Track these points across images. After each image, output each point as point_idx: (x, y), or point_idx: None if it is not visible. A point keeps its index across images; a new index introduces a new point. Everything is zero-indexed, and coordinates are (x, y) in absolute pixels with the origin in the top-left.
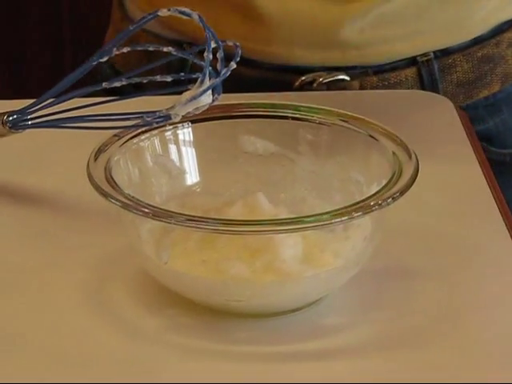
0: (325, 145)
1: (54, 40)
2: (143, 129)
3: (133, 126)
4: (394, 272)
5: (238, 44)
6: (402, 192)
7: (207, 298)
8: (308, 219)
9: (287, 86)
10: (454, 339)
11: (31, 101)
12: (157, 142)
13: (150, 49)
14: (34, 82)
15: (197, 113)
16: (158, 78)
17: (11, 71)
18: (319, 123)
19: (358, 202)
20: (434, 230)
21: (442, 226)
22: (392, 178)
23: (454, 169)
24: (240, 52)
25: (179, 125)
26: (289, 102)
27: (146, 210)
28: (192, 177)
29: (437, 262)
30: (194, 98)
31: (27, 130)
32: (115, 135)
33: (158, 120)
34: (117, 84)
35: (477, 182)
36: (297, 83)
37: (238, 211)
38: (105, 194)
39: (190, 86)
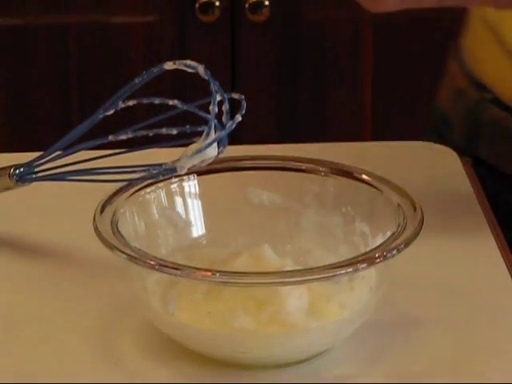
0: (330, 196)
1: (61, 92)
2: (149, 181)
3: (139, 179)
4: (400, 323)
5: (242, 97)
6: (407, 244)
7: (213, 349)
8: (313, 271)
9: None
10: None
11: (38, 153)
12: (163, 194)
13: (156, 102)
14: (41, 134)
15: (202, 165)
16: (164, 130)
17: (18, 122)
18: (324, 175)
19: (363, 254)
20: (439, 280)
21: (446, 276)
22: (397, 229)
23: (459, 219)
24: (245, 105)
25: (185, 177)
26: (295, 155)
27: (152, 263)
28: (198, 229)
29: (442, 313)
30: (199, 151)
31: (34, 183)
32: (121, 188)
33: (163, 173)
34: (123, 137)
35: (481, 232)
36: None
37: (244, 263)
38: (111, 247)
39: (195, 139)
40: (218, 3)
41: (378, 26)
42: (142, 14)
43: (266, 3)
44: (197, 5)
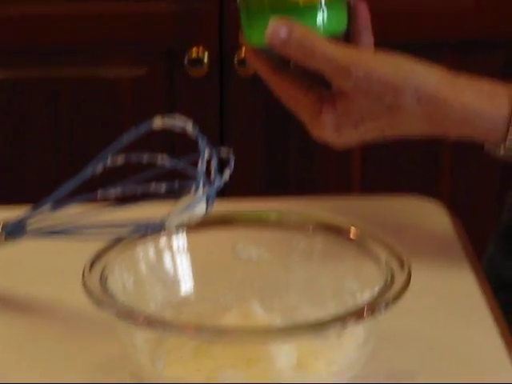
0: (318, 252)
1: (50, 145)
2: (138, 237)
3: (128, 235)
4: (388, 377)
5: (231, 154)
6: (395, 299)
7: None
8: (302, 327)
9: None
10: None
11: (26, 206)
12: (151, 250)
13: (145, 159)
14: (30, 188)
15: (191, 222)
16: (153, 186)
17: (7, 175)
18: (313, 231)
19: (351, 310)
20: (427, 335)
21: (434, 331)
22: (385, 285)
23: (446, 275)
24: (233, 161)
25: (173, 233)
26: (283, 210)
27: (141, 319)
28: (186, 284)
29: (430, 367)
30: (188, 208)
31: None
32: (110, 244)
33: (152, 229)
34: (112, 193)
35: (469, 288)
36: None
37: (233, 319)
38: (100, 303)
39: (184, 194)
40: (206, 58)
41: None
42: (131, 68)
43: None
44: (186, 59)
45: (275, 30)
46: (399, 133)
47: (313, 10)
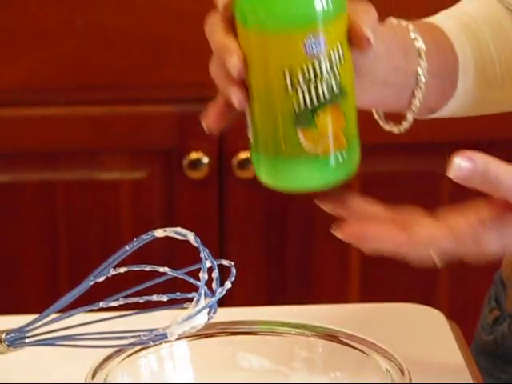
0: (318, 361)
1: (49, 251)
2: (140, 347)
3: (130, 345)
4: None
5: (232, 264)
6: None
7: None
8: None
9: None
10: None
11: (26, 316)
12: (153, 359)
13: (147, 269)
14: (29, 297)
15: (192, 331)
16: (155, 297)
17: (4, 284)
18: (313, 340)
19: None
20: None
21: None
22: None
23: (446, 381)
24: (235, 272)
25: (175, 342)
26: (283, 320)
27: None
28: None
29: None
30: (189, 318)
31: (25, 347)
32: (112, 353)
33: (154, 339)
34: (114, 304)
35: None
36: None
37: None
38: None
39: (185, 304)
40: (206, 160)
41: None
42: (130, 170)
43: None
44: (185, 161)
45: (458, 164)
46: None
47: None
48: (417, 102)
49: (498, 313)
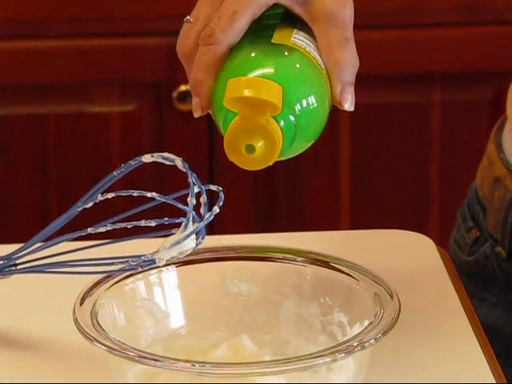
0: (308, 287)
1: (38, 182)
2: (128, 273)
3: (118, 271)
4: None
5: (220, 188)
6: (385, 332)
7: None
8: (292, 361)
9: None
10: None
11: (15, 245)
12: (142, 285)
13: (135, 194)
14: (19, 225)
15: (181, 257)
16: (143, 222)
17: None
18: (302, 265)
19: (341, 343)
20: (417, 367)
21: (424, 363)
22: (374, 318)
23: (435, 307)
24: (223, 197)
25: (164, 268)
26: (273, 245)
27: (132, 354)
28: (177, 319)
29: None
30: (177, 243)
31: (14, 275)
32: (100, 280)
33: (142, 264)
34: (102, 229)
35: (457, 320)
36: None
37: (223, 353)
38: (91, 339)
39: (174, 230)
40: None
41: (354, 119)
42: (120, 103)
43: None
44: (174, 94)
45: None
46: None
47: None
48: None
49: (478, 233)
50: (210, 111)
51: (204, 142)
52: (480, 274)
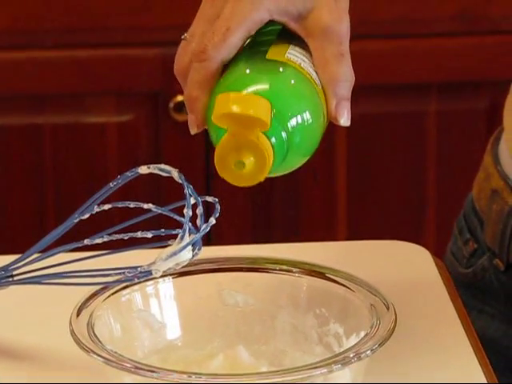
0: (304, 298)
1: (35, 193)
2: (125, 284)
3: (115, 282)
4: None
5: (216, 200)
6: (381, 344)
7: None
8: (288, 372)
9: None
10: None
11: (11, 256)
12: (138, 296)
13: (131, 206)
14: (15, 236)
15: (177, 268)
16: (139, 234)
17: None
18: (299, 276)
19: (337, 355)
20: (414, 379)
21: (421, 374)
22: (370, 329)
23: (432, 319)
24: (219, 208)
25: (160, 279)
26: (269, 256)
27: (128, 365)
28: (173, 331)
29: None
30: (174, 254)
31: (10, 286)
32: (97, 291)
33: (139, 276)
34: (98, 241)
35: (454, 331)
36: None
37: (219, 364)
38: (87, 350)
39: (170, 241)
40: None
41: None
42: (117, 113)
43: None
44: (171, 104)
45: None
46: None
47: None
48: None
49: (475, 245)
50: (206, 127)
51: (201, 152)
52: (478, 287)
